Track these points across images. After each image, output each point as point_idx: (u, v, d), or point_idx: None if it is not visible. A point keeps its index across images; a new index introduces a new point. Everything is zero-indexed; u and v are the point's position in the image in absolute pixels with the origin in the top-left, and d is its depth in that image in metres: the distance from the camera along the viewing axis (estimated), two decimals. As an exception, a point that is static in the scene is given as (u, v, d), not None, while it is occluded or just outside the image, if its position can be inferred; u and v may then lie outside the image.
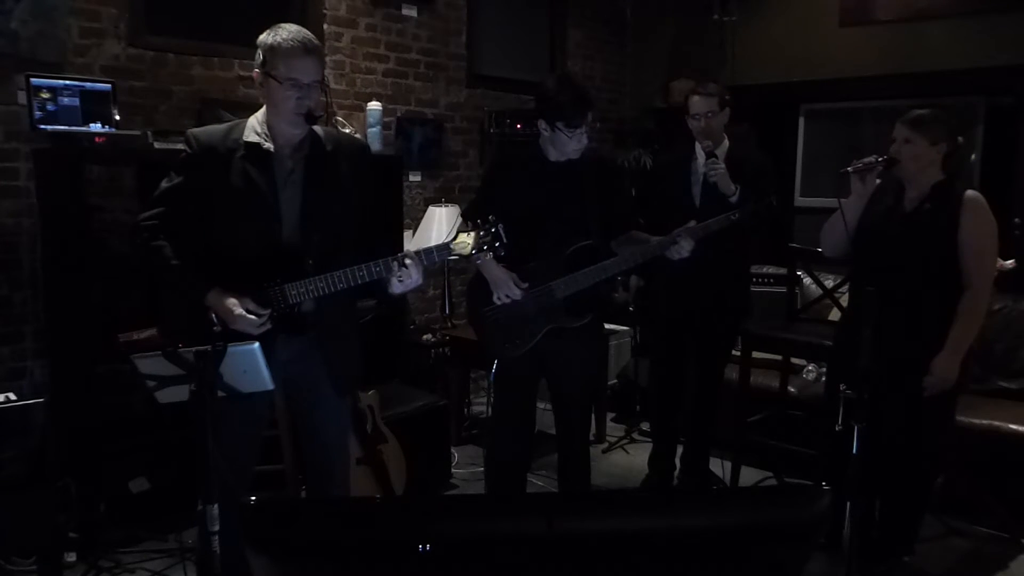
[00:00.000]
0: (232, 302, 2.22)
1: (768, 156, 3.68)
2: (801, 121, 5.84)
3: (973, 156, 5.11)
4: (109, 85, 3.39)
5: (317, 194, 2.33)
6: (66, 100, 3.24)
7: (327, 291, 2.27)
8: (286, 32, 2.23)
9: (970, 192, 2.82)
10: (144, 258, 2.30)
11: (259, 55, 2.26)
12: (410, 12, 4.88)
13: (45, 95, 3.19)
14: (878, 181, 2.94)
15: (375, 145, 4.41)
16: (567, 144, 2.82)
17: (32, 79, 3.18)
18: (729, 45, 5.77)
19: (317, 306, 2.34)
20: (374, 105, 4.50)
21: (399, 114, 4.83)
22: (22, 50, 3.31)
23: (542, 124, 2.86)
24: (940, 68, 5.04)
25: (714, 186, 3.34)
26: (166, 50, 3.82)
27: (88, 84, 3.33)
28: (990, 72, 4.91)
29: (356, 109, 4.58)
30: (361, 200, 2.43)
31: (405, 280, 2.28)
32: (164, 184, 2.32)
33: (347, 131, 3.98)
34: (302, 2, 4.35)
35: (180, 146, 2.36)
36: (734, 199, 3.29)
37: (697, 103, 3.45)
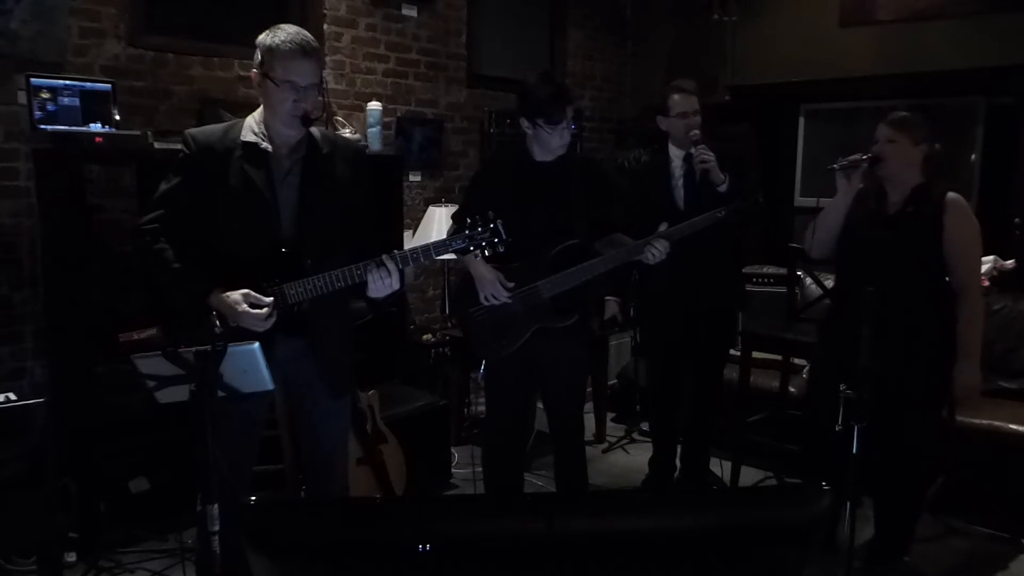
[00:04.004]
0: (235, 299, 2.22)
1: (743, 146, 3.62)
2: (801, 121, 5.83)
3: (973, 156, 5.11)
4: (109, 85, 3.39)
5: (315, 195, 2.33)
6: (66, 100, 3.24)
7: (325, 290, 2.27)
8: (284, 34, 2.23)
9: (951, 195, 2.85)
10: (147, 262, 2.30)
11: (257, 55, 2.26)
12: (410, 12, 4.88)
13: (45, 95, 3.19)
14: (860, 185, 2.97)
15: (375, 145, 4.41)
16: (550, 140, 2.82)
17: (32, 79, 3.18)
18: (729, 45, 5.76)
19: (313, 306, 2.34)
20: (374, 105, 4.50)
21: (399, 114, 4.83)
22: (22, 50, 3.30)
23: (524, 123, 2.86)
24: (940, 68, 5.03)
25: (701, 183, 3.28)
26: (166, 50, 3.82)
27: (88, 84, 3.33)
28: (990, 72, 4.90)
29: (356, 109, 4.58)
30: (357, 202, 2.43)
31: (382, 281, 2.24)
32: (163, 186, 2.32)
33: (346, 131, 3.99)
34: (302, 2, 4.34)
35: (179, 146, 2.36)
36: (723, 188, 3.24)
37: (682, 101, 3.40)
